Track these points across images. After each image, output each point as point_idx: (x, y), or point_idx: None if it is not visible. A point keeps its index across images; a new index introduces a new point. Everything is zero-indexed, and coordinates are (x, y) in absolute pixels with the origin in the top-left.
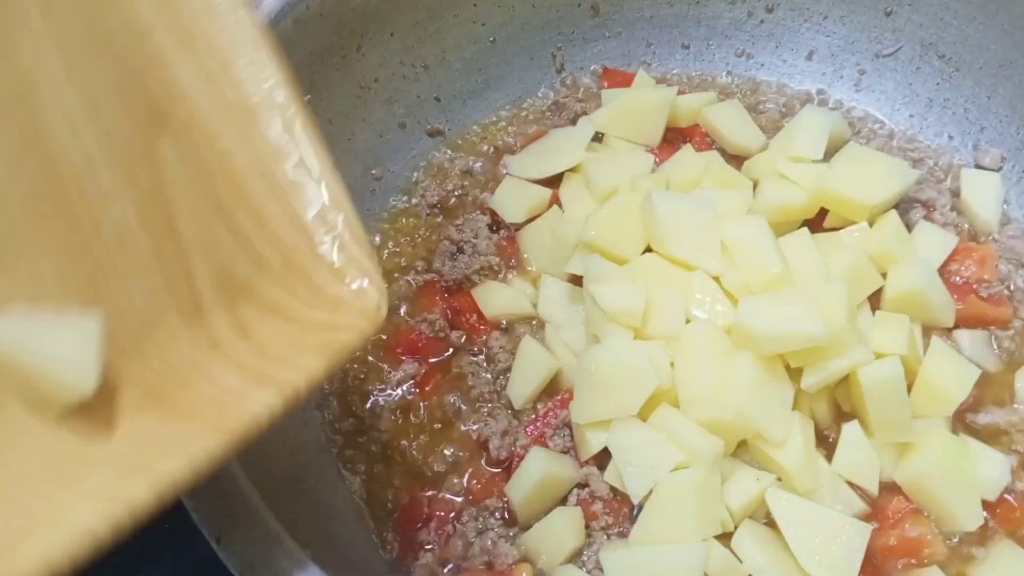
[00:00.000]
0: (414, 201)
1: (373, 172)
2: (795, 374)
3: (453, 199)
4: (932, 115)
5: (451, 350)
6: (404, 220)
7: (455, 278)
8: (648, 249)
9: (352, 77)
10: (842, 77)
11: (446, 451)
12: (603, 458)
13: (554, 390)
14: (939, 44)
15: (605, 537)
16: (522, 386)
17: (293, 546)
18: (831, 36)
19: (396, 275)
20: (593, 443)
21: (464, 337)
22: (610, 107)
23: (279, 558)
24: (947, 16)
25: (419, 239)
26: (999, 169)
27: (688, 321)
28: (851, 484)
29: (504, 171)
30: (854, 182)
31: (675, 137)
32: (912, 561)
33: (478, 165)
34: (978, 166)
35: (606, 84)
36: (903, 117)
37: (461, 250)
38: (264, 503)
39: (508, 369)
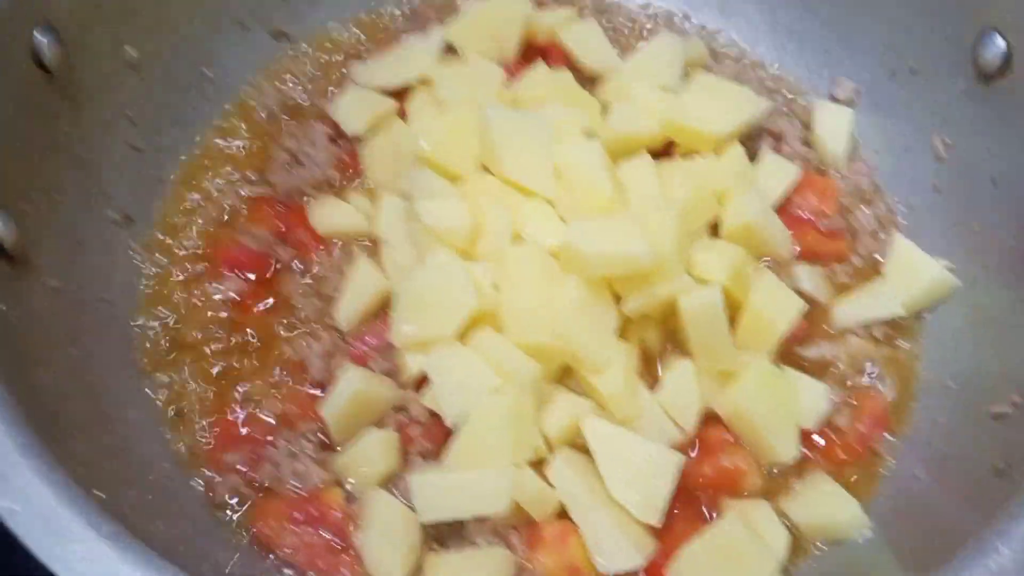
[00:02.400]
0: (251, 105)
1: (206, 72)
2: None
3: (293, 106)
4: (793, 45)
5: (278, 267)
6: (238, 125)
7: (288, 190)
8: (485, 168)
9: None
10: None
11: (266, 373)
12: (426, 383)
13: (384, 313)
14: None
15: (423, 462)
16: (350, 306)
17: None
18: None
19: (223, 184)
20: (413, 365)
21: (294, 255)
22: (463, 19)
23: None
24: None
25: (253, 148)
26: (853, 103)
27: (516, 241)
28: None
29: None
30: (701, 113)
31: (533, 54)
32: (728, 492)
33: (323, 71)
34: (832, 99)
35: None
36: (765, 47)
37: (297, 161)
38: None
39: (338, 290)
